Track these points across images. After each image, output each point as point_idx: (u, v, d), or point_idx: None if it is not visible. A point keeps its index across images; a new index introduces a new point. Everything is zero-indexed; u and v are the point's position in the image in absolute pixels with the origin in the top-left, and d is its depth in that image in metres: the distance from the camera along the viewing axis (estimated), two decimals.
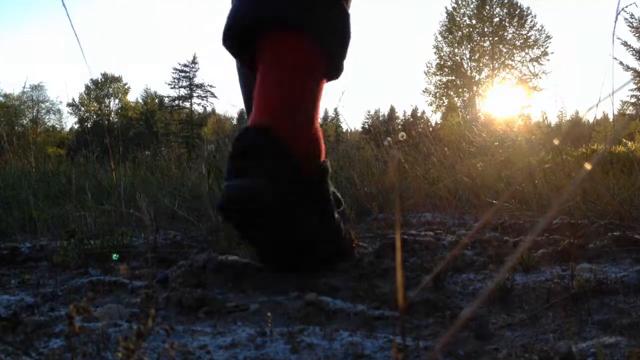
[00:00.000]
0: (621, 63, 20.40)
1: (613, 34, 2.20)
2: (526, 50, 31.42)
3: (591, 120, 2.65)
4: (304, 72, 1.14)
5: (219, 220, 1.92)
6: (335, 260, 1.43)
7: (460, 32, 31.92)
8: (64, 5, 1.83)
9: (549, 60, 31.18)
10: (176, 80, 40.85)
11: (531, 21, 31.35)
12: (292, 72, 1.13)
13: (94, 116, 42.25)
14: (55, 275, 1.55)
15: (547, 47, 31.39)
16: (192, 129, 37.38)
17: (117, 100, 42.75)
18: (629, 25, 20.75)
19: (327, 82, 1.23)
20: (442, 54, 32.64)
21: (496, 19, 31.37)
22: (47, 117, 39.17)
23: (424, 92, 32.95)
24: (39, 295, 1.31)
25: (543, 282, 1.30)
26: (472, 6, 31.89)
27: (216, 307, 1.21)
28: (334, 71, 1.22)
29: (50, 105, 39.38)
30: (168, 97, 41.39)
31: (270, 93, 1.12)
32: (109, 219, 2.21)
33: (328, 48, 1.16)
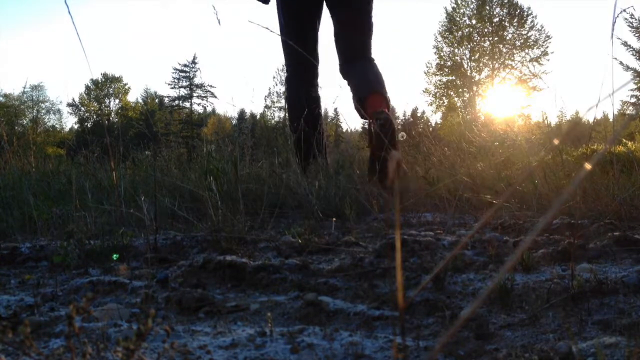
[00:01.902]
0: (621, 63, 20.41)
1: (612, 34, 2.19)
2: (526, 50, 31.42)
3: (591, 120, 2.64)
4: (384, 100, 2.73)
5: (219, 220, 1.92)
6: None
7: (460, 32, 31.91)
8: (66, 4, 1.83)
9: (549, 60, 31.21)
10: (176, 80, 40.89)
11: (531, 21, 31.36)
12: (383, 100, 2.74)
13: (94, 116, 42.26)
14: (55, 275, 1.55)
15: (547, 47, 31.42)
16: (192, 129, 37.40)
17: (117, 100, 42.79)
18: (629, 25, 20.76)
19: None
20: (442, 54, 32.63)
21: (496, 19, 31.36)
22: (47, 117, 39.21)
23: (424, 92, 32.99)
24: (39, 295, 1.31)
25: (543, 282, 1.30)
26: (472, 6, 31.91)
27: (216, 307, 1.21)
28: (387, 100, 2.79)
29: (50, 105, 39.40)
30: (168, 97, 41.43)
31: (382, 103, 2.67)
32: (109, 219, 2.21)
33: (384, 94, 2.77)
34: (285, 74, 3.10)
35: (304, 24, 2.89)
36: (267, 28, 2.69)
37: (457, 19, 32.27)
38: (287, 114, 3.01)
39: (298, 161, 2.73)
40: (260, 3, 2.95)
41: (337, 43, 2.90)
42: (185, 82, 40.92)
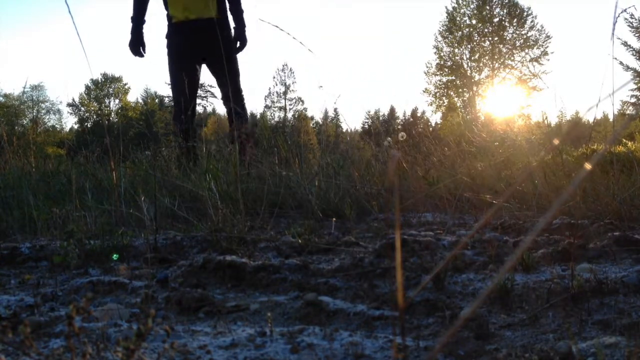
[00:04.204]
0: (621, 63, 20.40)
1: (613, 34, 2.19)
2: (526, 50, 31.42)
3: (591, 120, 2.64)
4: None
5: (219, 220, 1.92)
6: None
7: (460, 32, 31.89)
8: (67, 4, 1.84)
9: (548, 60, 31.21)
10: None
11: (531, 21, 31.35)
12: None
13: (94, 116, 42.20)
14: (55, 275, 1.55)
15: (547, 47, 31.42)
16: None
17: (117, 100, 42.76)
18: (629, 25, 20.74)
19: None
20: (442, 54, 32.61)
21: (496, 19, 31.35)
22: (47, 117, 39.15)
23: (424, 92, 32.98)
24: (39, 295, 1.31)
25: (543, 282, 1.30)
26: (472, 6, 31.90)
27: (216, 307, 1.21)
28: None
29: (50, 105, 39.35)
30: (168, 97, 41.38)
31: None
32: (109, 219, 2.21)
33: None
34: (175, 101, 4.18)
35: (189, 73, 4.02)
36: (277, 26, 2.96)
37: (458, 19, 32.27)
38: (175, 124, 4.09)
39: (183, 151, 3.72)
40: (137, 57, 4.13)
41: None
42: None
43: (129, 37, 4.04)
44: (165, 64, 4.24)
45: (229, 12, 4.15)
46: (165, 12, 4.10)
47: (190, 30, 3.99)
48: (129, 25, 4.07)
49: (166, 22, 4.11)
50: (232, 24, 4.17)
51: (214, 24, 3.90)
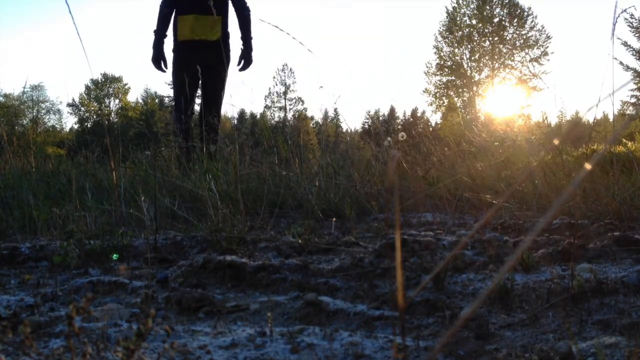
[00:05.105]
0: (621, 63, 20.39)
1: (613, 34, 2.19)
2: (526, 51, 31.41)
3: (591, 120, 2.65)
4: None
5: (219, 220, 1.92)
6: None
7: (460, 32, 31.89)
8: (67, 4, 1.84)
9: (549, 60, 31.21)
10: None
11: (531, 21, 31.35)
12: None
13: (94, 116, 42.18)
14: (55, 275, 1.55)
15: (547, 47, 31.42)
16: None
17: (117, 100, 42.74)
18: (629, 25, 20.73)
19: None
20: (442, 54, 32.60)
21: (496, 19, 31.34)
22: (47, 117, 39.13)
23: (424, 92, 32.98)
24: (39, 295, 1.31)
25: (543, 282, 1.30)
26: (472, 6, 31.90)
27: (216, 307, 1.21)
28: None
29: (50, 105, 39.33)
30: (168, 97, 41.37)
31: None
32: (109, 219, 2.21)
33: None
34: (175, 104, 4.61)
35: (191, 75, 4.36)
36: (276, 26, 3.00)
37: (457, 19, 32.27)
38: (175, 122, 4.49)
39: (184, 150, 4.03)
40: (159, 71, 4.58)
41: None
42: None
43: (151, 51, 4.46)
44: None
45: (231, 37, 4.64)
46: (173, 31, 4.57)
47: (195, 47, 4.47)
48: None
49: (173, 39, 4.61)
50: (237, 46, 4.66)
51: (216, 45, 4.42)
